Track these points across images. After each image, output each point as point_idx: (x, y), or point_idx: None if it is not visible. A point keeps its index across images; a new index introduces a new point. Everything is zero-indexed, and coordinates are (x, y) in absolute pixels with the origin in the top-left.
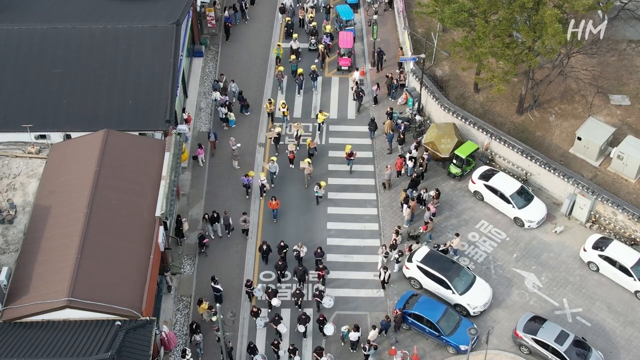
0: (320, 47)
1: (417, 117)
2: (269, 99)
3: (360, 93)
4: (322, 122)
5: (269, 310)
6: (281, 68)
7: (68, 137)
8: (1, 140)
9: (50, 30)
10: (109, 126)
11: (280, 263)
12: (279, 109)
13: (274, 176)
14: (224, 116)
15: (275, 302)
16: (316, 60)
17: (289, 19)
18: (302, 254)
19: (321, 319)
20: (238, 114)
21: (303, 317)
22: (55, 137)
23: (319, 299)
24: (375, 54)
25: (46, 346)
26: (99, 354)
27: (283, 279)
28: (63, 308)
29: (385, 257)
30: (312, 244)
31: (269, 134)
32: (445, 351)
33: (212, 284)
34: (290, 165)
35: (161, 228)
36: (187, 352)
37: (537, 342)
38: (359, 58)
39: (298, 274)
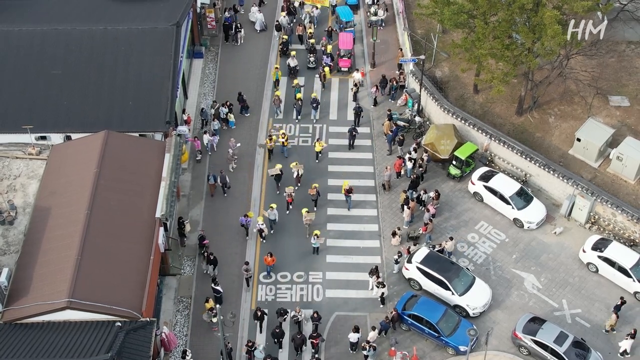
0: (327, 69)
1: (417, 118)
2: (269, 135)
3: (359, 111)
4: (320, 152)
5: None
6: (278, 93)
7: (68, 138)
8: (1, 142)
9: (50, 31)
10: (109, 127)
11: (277, 330)
12: (280, 139)
13: (274, 223)
14: (224, 116)
15: None
16: (316, 87)
17: (285, 37)
18: (300, 319)
19: None
20: (238, 115)
21: None
22: (56, 138)
23: None
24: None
25: (46, 347)
26: (99, 355)
27: (280, 350)
28: (63, 309)
29: (377, 286)
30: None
31: (271, 170)
32: (445, 352)
33: (213, 285)
34: (289, 209)
35: (161, 229)
36: (187, 353)
37: (537, 343)
38: (359, 59)
39: (296, 342)
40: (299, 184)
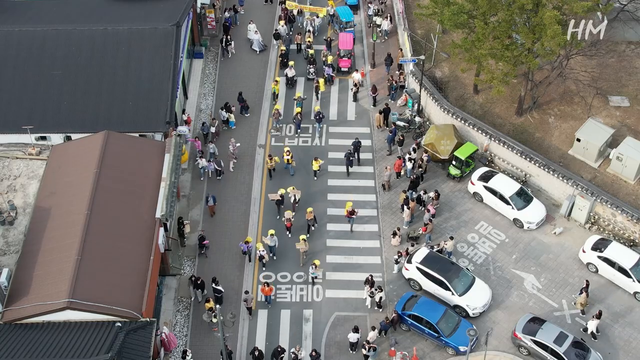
0: (321, 81)
1: (417, 119)
2: (269, 155)
3: (358, 145)
4: (318, 170)
5: None
6: (278, 106)
7: (68, 138)
8: (2, 142)
9: (50, 32)
10: (109, 128)
11: None
12: (283, 156)
13: (274, 248)
14: (224, 118)
15: None
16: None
17: (283, 48)
18: (300, 357)
19: None
20: (238, 115)
21: None
22: (56, 138)
23: None
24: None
25: (46, 347)
26: (99, 355)
27: None
28: (63, 309)
29: (371, 296)
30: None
31: (272, 195)
32: (445, 352)
33: (213, 285)
34: (288, 234)
35: (161, 229)
36: (187, 353)
37: (536, 343)
38: (359, 59)
39: None
40: (297, 207)
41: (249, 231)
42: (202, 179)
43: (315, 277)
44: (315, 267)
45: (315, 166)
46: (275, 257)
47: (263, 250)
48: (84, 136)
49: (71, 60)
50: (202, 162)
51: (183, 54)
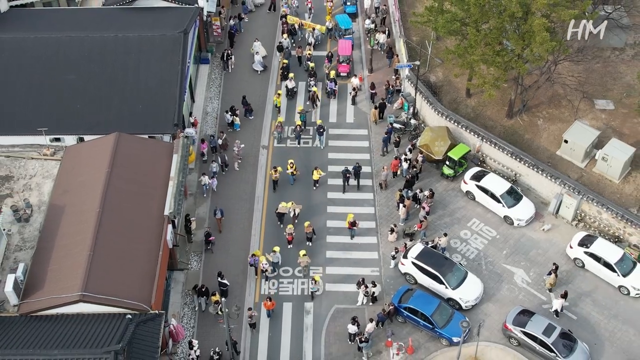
0: (314, 89)
1: (412, 121)
2: (274, 167)
3: (358, 170)
4: (318, 180)
5: None
6: (281, 119)
7: (81, 140)
8: (18, 143)
9: (64, 38)
10: (120, 129)
11: None
12: (287, 169)
13: (277, 265)
14: (229, 121)
15: None
16: (312, 106)
17: (285, 61)
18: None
19: None
20: (242, 118)
21: None
22: (69, 140)
23: None
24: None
25: (60, 338)
26: (111, 345)
27: None
28: (76, 302)
29: (366, 295)
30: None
31: (282, 209)
32: (439, 343)
33: (219, 278)
34: (289, 246)
35: (169, 226)
36: (194, 344)
37: (526, 334)
38: (357, 65)
39: None
40: (296, 222)
41: (252, 228)
42: (204, 195)
43: (316, 291)
44: (315, 282)
45: (315, 176)
46: (276, 273)
47: (266, 263)
48: (96, 138)
49: (84, 66)
50: (205, 179)
51: (190, 60)
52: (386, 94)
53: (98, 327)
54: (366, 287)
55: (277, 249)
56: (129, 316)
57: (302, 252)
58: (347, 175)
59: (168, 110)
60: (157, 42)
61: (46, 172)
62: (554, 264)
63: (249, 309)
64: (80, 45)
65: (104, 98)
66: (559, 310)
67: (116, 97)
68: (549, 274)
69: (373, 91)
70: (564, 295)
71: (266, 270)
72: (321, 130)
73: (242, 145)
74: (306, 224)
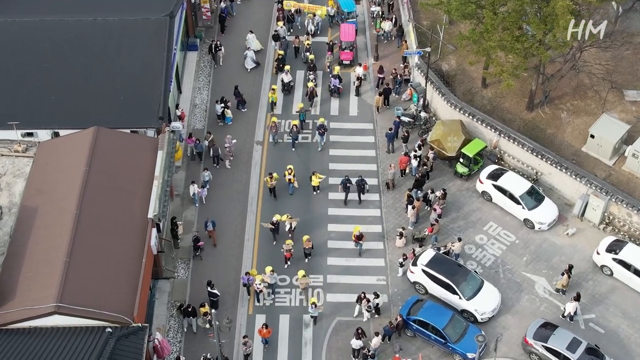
0: (310, 84)
1: (422, 114)
2: (270, 173)
3: (362, 184)
4: (317, 186)
5: None
6: (275, 119)
7: (56, 134)
8: None
9: (37, 22)
10: (99, 123)
11: None
12: (285, 176)
13: (274, 287)
14: (220, 112)
15: None
16: (310, 106)
17: (281, 52)
18: None
19: None
20: (235, 111)
21: None
22: (43, 134)
23: None
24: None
25: (33, 354)
26: None
27: None
28: (51, 314)
29: (368, 310)
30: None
31: (265, 224)
32: (452, 359)
33: (209, 288)
34: (285, 266)
35: (154, 230)
36: None
37: (548, 349)
38: (362, 52)
39: None
40: (291, 236)
41: (245, 233)
42: (196, 205)
43: (316, 316)
44: (315, 306)
45: (315, 181)
46: (273, 296)
47: (260, 284)
48: (73, 132)
49: (59, 53)
50: (194, 187)
51: (177, 46)
52: (393, 84)
53: (75, 341)
54: (368, 300)
55: (271, 268)
56: (109, 330)
57: (301, 272)
58: (348, 185)
59: (152, 102)
60: (140, 27)
61: (17, 170)
62: (569, 265)
63: (244, 336)
64: (56, 30)
65: (81, 89)
66: (572, 313)
67: (95, 87)
68: (562, 274)
69: (381, 75)
70: (577, 298)
71: (261, 291)
72: (322, 130)
73: (234, 141)
74: (305, 238)
